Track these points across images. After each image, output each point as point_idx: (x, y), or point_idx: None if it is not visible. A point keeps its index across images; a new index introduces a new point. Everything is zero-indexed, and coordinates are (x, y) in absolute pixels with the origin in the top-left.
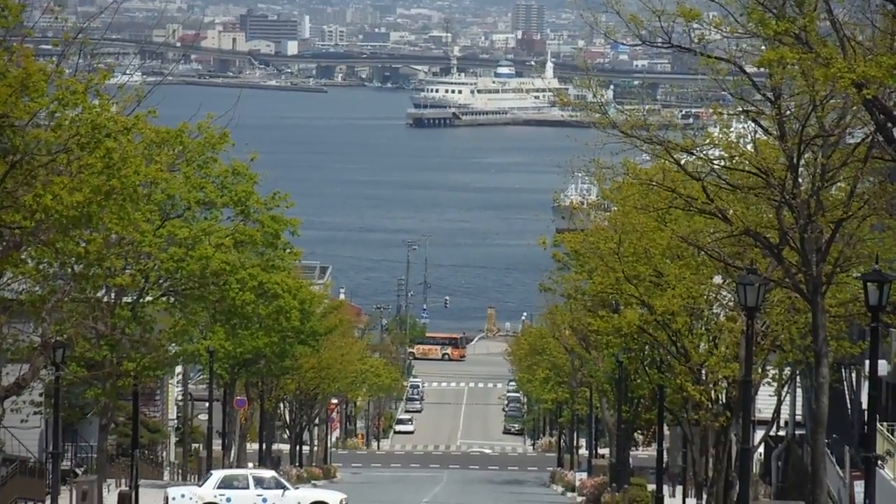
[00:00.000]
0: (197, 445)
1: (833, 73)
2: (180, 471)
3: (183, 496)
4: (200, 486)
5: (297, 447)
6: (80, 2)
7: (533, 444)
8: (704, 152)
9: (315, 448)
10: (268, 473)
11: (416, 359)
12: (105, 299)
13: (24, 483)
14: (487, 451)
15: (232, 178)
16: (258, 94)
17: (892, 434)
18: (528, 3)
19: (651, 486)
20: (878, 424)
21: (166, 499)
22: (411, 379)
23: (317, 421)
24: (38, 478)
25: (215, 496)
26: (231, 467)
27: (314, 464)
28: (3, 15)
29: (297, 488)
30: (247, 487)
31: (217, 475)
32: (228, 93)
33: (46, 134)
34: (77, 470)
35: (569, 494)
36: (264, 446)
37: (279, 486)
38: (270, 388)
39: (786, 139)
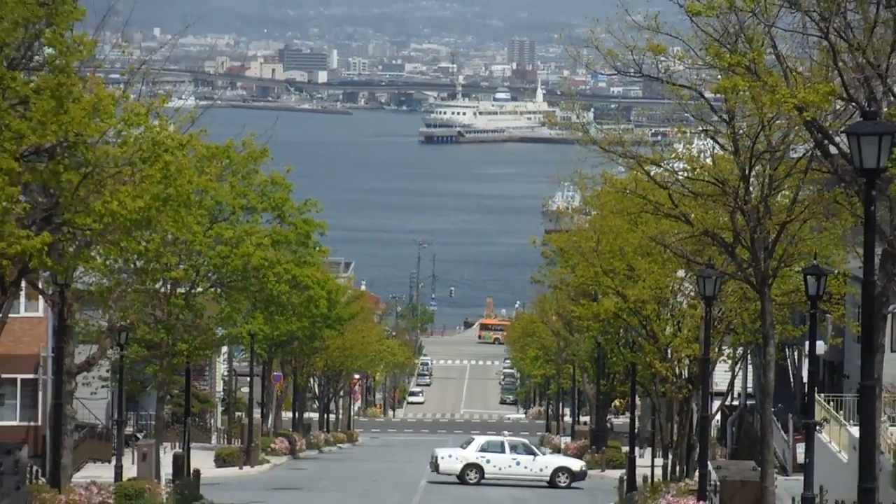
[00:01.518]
0: (240, 414)
1: (778, 99)
2: (225, 435)
3: (450, 456)
4: (464, 448)
5: (325, 415)
6: (143, 37)
7: (525, 413)
8: (670, 165)
9: (340, 416)
10: (520, 440)
11: (480, 341)
12: (162, 290)
13: (93, 445)
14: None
15: (271, 187)
16: (293, 116)
17: (828, 404)
18: (521, 39)
19: (625, 448)
20: (816, 396)
21: (435, 458)
22: (421, 357)
23: (341, 393)
24: (106, 441)
25: (476, 458)
26: (273, 434)
27: (339, 430)
28: (79, 49)
29: (545, 454)
30: (503, 452)
31: (478, 440)
32: (268, 115)
33: (114, 150)
34: (138, 434)
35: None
36: (297, 414)
37: (529, 451)
38: (302, 365)
39: (739, 154)
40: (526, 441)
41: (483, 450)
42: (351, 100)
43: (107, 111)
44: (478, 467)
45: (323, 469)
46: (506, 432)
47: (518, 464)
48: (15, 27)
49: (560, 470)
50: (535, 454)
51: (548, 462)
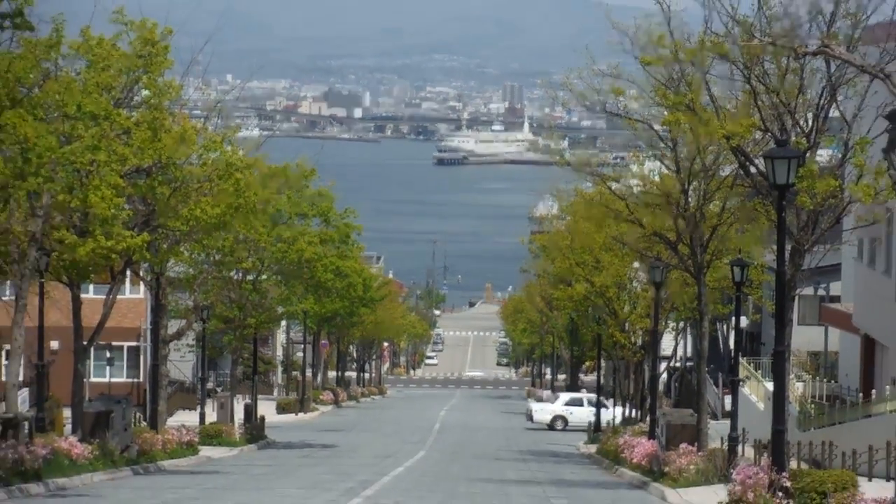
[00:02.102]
0: (295, 373)
1: (710, 130)
2: (284, 389)
3: (542, 409)
4: (553, 403)
5: (361, 374)
6: (219, 82)
7: (515, 372)
8: (627, 181)
9: (372, 375)
10: (594, 397)
11: None
12: (235, 277)
13: (182, 397)
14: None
15: (318, 198)
16: (335, 144)
17: (749, 365)
18: (512, 84)
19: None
20: (739, 359)
21: (529, 411)
22: (435, 329)
23: (374, 357)
24: (192, 393)
25: (562, 410)
26: (321, 388)
27: (372, 385)
28: (169, 91)
29: (610, 408)
30: (582, 406)
31: (564, 397)
32: (315, 143)
33: (196, 169)
34: (217, 388)
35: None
36: (339, 373)
37: (602, 405)
38: (343, 335)
39: (680, 173)
40: (602, 398)
41: (567, 404)
42: (380, 131)
43: (191, 139)
44: (563, 418)
45: (359, 415)
46: (583, 389)
47: (594, 414)
48: (119, 74)
49: None
50: (606, 407)
51: (615, 413)
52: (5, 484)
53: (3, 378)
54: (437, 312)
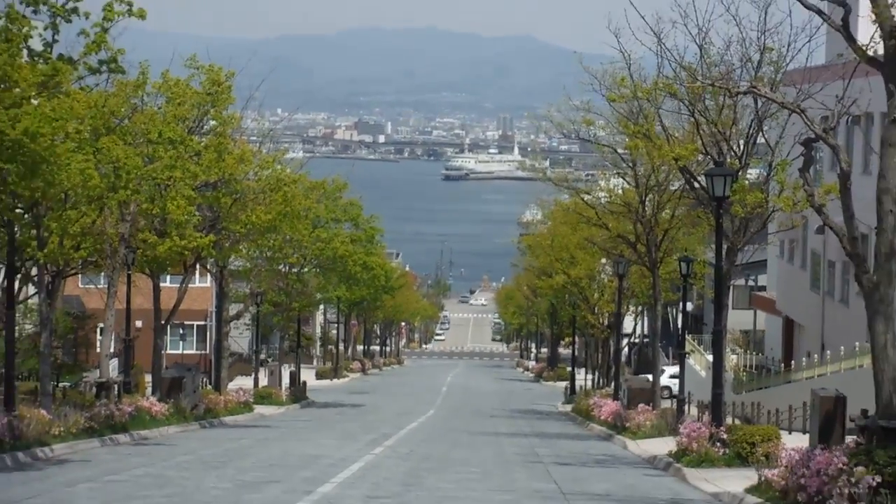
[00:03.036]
0: (330, 346)
1: (662, 153)
2: (322, 360)
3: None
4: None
5: (383, 347)
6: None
7: (507, 346)
8: (596, 194)
9: (392, 348)
10: None
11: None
12: (283, 270)
13: (240, 366)
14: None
15: (349, 206)
16: (363, 164)
17: (693, 341)
18: (504, 115)
19: (568, 368)
20: (686, 336)
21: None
22: (443, 312)
23: (393, 333)
24: (248, 363)
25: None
26: (351, 359)
27: (392, 357)
28: (231, 122)
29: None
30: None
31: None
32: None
33: (252, 184)
34: (268, 359)
35: (525, 372)
36: (366, 347)
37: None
38: (369, 316)
39: (638, 187)
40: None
41: (671, 377)
42: (399, 153)
43: (248, 160)
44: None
45: (382, 381)
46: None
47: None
48: (192, 108)
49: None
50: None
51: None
52: (99, 435)
53: (98, 350)
54: (443, 299)
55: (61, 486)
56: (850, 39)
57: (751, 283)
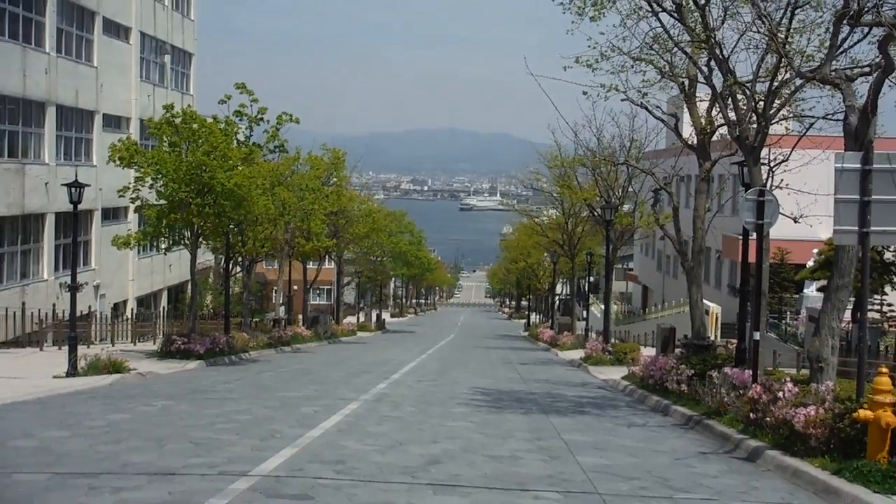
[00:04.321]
0: (398, 300)
1: (577, 196)
2: (394, 307)
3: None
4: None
5: (426, 300)
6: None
7: (493, 301)
8: (542, 219)
9: (430, 301)
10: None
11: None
12: (374, 259)
13: (349, 310)
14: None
15: (408, 224)
16: (415, 202)
17: (594, 297)
18: (492, 176)
19: (526, 313)
20: (589, 295)
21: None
22: (458, 282)
23: (432, 293)
24: (354, 309)
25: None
26: (408, 306)
27: (430, 306)
28: (343, 179)
29: None
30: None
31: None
32: (406, 201)
33: (355, 212)
34: (364, 307)
35: (503, 315)
36: (417, 300)
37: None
38: (419, 283)
39: (564, 214)
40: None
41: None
42: (434, 196)
43: (354, 199)
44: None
45: (425, 319)
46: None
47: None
48: (322, 171)
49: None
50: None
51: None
52: (274, 347)
53: (273, 301)
54: (459, 274)
55: (254, 373)
56: (679, 135)
57: (625, 266)
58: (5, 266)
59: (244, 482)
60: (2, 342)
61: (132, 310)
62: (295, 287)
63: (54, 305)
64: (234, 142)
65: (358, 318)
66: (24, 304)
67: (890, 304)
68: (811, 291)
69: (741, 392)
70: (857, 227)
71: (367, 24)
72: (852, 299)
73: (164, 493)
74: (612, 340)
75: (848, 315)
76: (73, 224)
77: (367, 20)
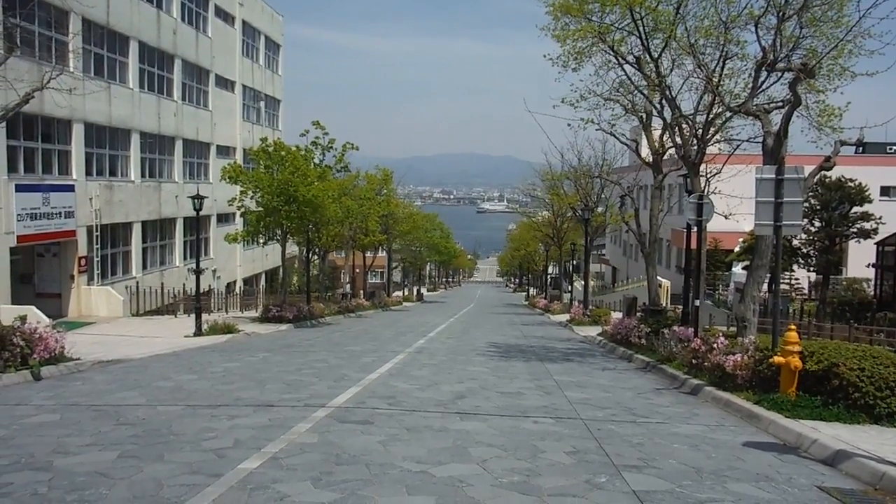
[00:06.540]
0: (432, 278)
1: (564, 201)
2: (429, 284)
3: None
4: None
5: (452, 279)
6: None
7: (503, 279)
8: (537, 217)
9: (456, 279)
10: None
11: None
12: (412, 248)
13: (396, 286)
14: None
15: (439, 223)
16: (444, 207)
17: (576, 276)
18: (501, 186)
19: (526, 287)
20: (574, 275)
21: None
22: (476, 265)
23: (458, 273)
24: (400, 285)
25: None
26: (440, 284)
27: (455, 284)
28: (392, 191)
29: None
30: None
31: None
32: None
33: (401, 214)
34: (408, 284)
35: (509, 289)
36: (446, 279)
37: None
38: (448, 267)
39: (554, 215)
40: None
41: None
42: (458, 202)
43: (399, 205)
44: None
45: (452, 293)
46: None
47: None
48: (376, 185)
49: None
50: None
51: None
52: (342, 314)
53: (342, 280)
54: (477, 260)
55: (328, 333)
56: (638, 155)
57: (600, 252)
58: (149, 256)
59: (322, 412)
60: (148, 311)
61: (240, 287)
62: (357, 270)
63: (184, 285)
64: (311, 164)
65: (403, 293)
66: (162, 284)
67: (797, 279)
68: (738, 269)
69: (686, 344)
70: (772, 222)
71: (407, 81)
72: (768, 275)
73: (265, 419)
74: (590, 307)
75: (765, 287)
76: (196, 225)
77: (406, 76)
